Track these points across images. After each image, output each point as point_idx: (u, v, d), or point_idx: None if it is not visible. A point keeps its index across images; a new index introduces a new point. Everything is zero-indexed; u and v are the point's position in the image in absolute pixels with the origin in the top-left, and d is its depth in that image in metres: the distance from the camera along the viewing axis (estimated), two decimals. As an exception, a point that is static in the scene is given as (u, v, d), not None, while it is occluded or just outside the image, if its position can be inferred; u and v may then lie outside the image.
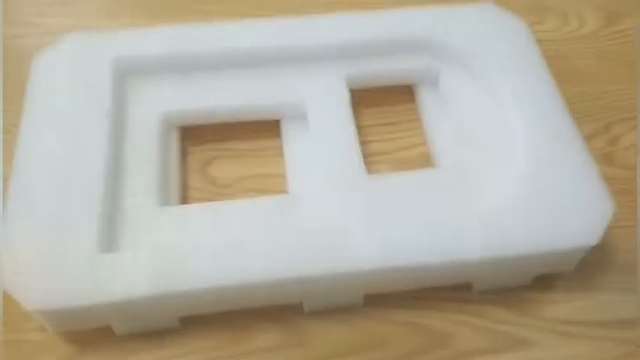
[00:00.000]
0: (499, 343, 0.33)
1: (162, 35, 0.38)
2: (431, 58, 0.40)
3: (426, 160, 0.39)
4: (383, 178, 0.35)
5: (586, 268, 0.35)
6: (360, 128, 0.39)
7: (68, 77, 0.36)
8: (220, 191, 0.38)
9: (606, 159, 0.40)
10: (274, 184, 0.38)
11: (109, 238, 0.31)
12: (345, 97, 0.38)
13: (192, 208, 0.34)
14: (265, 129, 0.40)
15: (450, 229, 0.31)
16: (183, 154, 0.39)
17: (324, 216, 0.32)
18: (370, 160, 0.39)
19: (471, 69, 0.38)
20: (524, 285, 0.34)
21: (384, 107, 0.42)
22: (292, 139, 0.38)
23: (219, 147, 0.40)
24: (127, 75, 0.38)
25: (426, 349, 0.32)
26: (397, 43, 0.39)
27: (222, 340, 0.32)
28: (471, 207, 0.33)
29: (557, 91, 0.37)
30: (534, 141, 0.34)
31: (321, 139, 0.36)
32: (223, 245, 0.30)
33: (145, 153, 0.35)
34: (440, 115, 0.39)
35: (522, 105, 0.35)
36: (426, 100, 0.40)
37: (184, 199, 0.37)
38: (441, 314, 0.34)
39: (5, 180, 0.33)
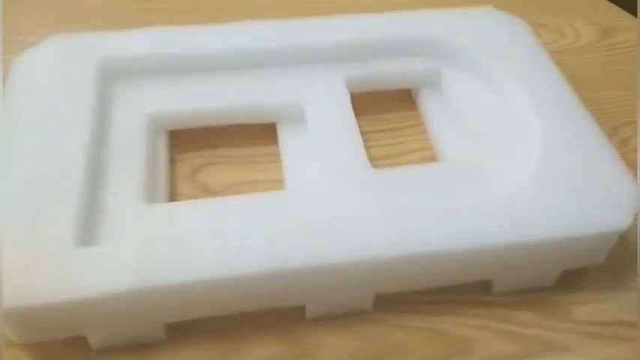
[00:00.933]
0: (528, 348, 0.29)
1: (150, 36, 0.36)
2: (432, 59, 0.38)
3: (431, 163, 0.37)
4: (389, 171, 0.33)
5: (610, 269, 0.32)
6: (359, 134, 0.36)
7: (49, 77, 0.34)
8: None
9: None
10: (271, 190, 0.35)
11: (88, 232, 0.27)
12: (344, 96, 0.36)
13: (180, 205, 0.31)
14: (259, 136, 0.38)
15: (467, 215, 0.28)
16: (172, 162, 0.36)
17: (328, 207, 0.29)
18: (372, 165, 0.36)
19: (476, 67, 0.37)
20: (548, 286, 0.31)
21: (383, 114, 0.40)
22: (289, 142, 0.36)
23: (210, 154, 0.37)
24: (111, 76, 0.35)
25: (445, 355, 0.29)
26: (397, 45, 0.38)
27: (213, 353, 0.28)
28: (487, 194, 0.30)
29: (565, 82, 0.35)
30: (550, 128, 0.32)
31: (321, 135, 0.34)
32: (216, 235, 0.27)
33: (131, 155, 0.32)
34: (444, 117, 0.37)
35: (533, 95, 0.34)
36: (429, 102, 0.39)
37: (172, 205, 0.34)
38: (458, 319, 0.30)
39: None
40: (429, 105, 0.39)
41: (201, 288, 0.26)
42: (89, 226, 0.28)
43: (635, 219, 0.29)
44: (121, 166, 0.31)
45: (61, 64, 0.35)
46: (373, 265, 0.27)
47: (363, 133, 0.38)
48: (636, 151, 0.39)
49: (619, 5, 0.50)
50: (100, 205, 0.29)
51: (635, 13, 0.49)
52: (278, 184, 0.35)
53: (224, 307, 0.28)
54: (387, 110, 0.40)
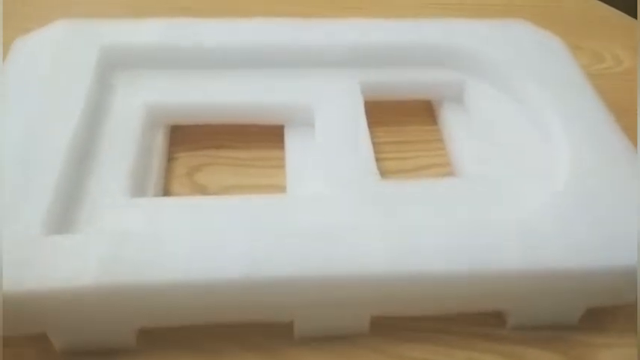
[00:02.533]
0: (543, 393, 0.26)
1: (158, 27, 0.35)
2: (457, 71, 0.36)
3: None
4: (398, 183, 0.30)
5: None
6: (373, 145, 0.34)
7: (48, 60, 0.32)
8: (207, 200, 0.32)
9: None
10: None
11: (62, 220, 0.25)
12: (358, 101, 0.33)
13: (165, 200, 0.28)
14: (265, 139, 0.35)
15: (478, 234, 0.25)
16: (170, 159, 0.34)
17: (326, 215, 0.26)
18: (384, 178, 0.33)
19: (504, 82, 0.34)
20: (569, 325, 0.28)
21: (401, 126, 0.37)
22: (296, 146, 0.33)
23: (212, 154, 0.35)
24: (114, 65, 0.33)
25: (447, 393, 0.25)
26: (420, 52, 0.35)
27: (187, 367, 0.26)
28: (504, 215, 0.27)
29: (602, 103, 0.32)
30: (580, 150, 0.29)
31: (329, 141, 0.31)
32: (197, 235, 0.24)
33: (123, 146, 0.30)
34: (466, 133, 0.34)
35: (565, 116, 0.31)
36: (450, 116, 0.36)
37: (163, 203, 0.31)
38: (465, 353, 0.27)
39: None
40: (450, 119, 0.36)
41: (174, 290, 0.23)
42: (63, 213, 0.26)
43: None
44: (110, 156, 0.29)
45: (62, 48, 0.33)
46: (367, 281, 0.23)
47: (377, 144, 0.35)
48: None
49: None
50: (80, 193, 0.27)
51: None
52: (279, 190, 0.32)
53: (201, 315, 0.25)
54: (405, 122, 0.38)
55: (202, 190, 0.33)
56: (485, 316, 0.28)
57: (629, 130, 0.33)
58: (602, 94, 0.41)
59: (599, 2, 0.51)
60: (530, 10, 0.49)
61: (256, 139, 0.35)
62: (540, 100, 0.32)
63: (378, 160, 0.32)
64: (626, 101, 0.40)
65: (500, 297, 0.26)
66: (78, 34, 0.34)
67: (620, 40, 0.47)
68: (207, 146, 0.35)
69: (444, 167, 0.35)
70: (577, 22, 0.48)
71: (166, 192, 0.32)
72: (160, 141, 0.33)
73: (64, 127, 0.29)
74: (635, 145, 0.30)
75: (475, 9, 0.48)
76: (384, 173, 0.33)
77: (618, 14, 0.50)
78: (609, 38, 0.47)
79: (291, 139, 0.34)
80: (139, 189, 0.29)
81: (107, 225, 0.26)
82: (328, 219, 0.26)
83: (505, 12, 0.48)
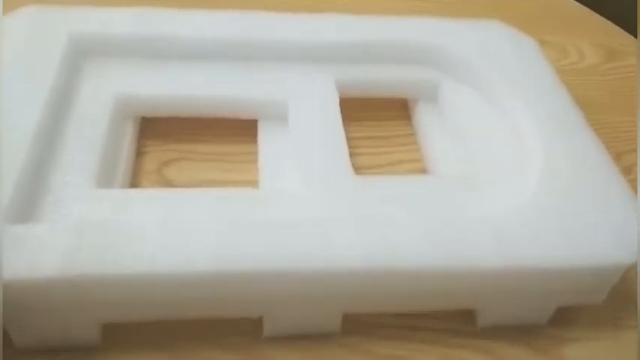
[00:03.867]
0: (512, 388, 0.26)
1: (129, 15, 0.34)
2: (431, 69, 0.36)
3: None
4: (372, 179, 0.30)
5: (609, 304, 0.29)
6: (346, 140, 0.33)
7: (14, 48, 0.31)
8: (177, 195, 0.32)
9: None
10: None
11: (24, 210, 0.24)
12: (333, 97, 0.33)
13: (132, 192, 0.28)
14: (238, 133, 0.35)
15: (451, 232, 0.25)
16: (139, 153, 0.33)
17: (297, 208, 0.26)
18: (356, 173, 0.33)
19: (477, 81, 0.34)
20: (538, 323, 0.28)
21: (375, 121, 0.37)
22: (269, 141, 0.33)
23: (182, 148, 0.34)
24: (82, 54, 0.33)
25: (418, 389, 0.25)
26: (395, 50, 0.35)
27: (151, 364, 0.25)
28: (477, 212, 0.27)
29: (573, 103, 0.32)
30: (552, 150, 0.29)
31: (302, 136, 0.31)
32: (163, 226, 0.24)
33: (90, 137, 0.29)
34: (439, 130, 0.35)
35: (537, 116, 0.31)
36: (423, 114, 0.36)
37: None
38: (436, 349, 0.27)
39: None
40: (424, 116, 0.36)
41: (140, 283, 0.22)
42: (27, 202, 0.25)
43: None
44: (77, 146, 0.28)
45: (29, 36, 0.32)
46: (340, 276, 0.23)
47: (351, 139, 0.35)
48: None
49: (623, 28, 0.48)
50: (45, 182, 0.26)
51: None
52: (252, 185, 0.32)
53: (167, 310, 0.24)
54: (379, 118, 0.37)
55: (169, 185, 0.32)
56: (456, 312, 0.28)
57: (595, 126, 0.33)
58: (570, 90, 0.42)
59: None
60: (493, 4, 0.49)
61: (229, 132, 0.35)
62: (513, 100, 0.32)
63: (351, 155, 0.32)
64: (588, 97, 0.41)
65: (470, 296, 0.26)
66: (47, 21, 0.33)
67: (584, 36, 0.47)
68: (178, 140, 0.34)
69: (416, 163, 0.35)
70: (541, 15, 0.49)
71: (133, 186, 0.32)
72: (129, 133, 0.32)
73: (30, 114, 0.28)
74: (604, 143, 0.31)
75: (436, 4, 0.48)
76: (357, 169, 0.33)
77: (585, 10, 0.51)
78: (574, 34, 0.47)
79: (264, 135, 0.33)
80: (105, 180, 0.28)
81: (72, 215, 0.25)
82: (298, 213, 0.26)
83: (465, 6, 0.48)
